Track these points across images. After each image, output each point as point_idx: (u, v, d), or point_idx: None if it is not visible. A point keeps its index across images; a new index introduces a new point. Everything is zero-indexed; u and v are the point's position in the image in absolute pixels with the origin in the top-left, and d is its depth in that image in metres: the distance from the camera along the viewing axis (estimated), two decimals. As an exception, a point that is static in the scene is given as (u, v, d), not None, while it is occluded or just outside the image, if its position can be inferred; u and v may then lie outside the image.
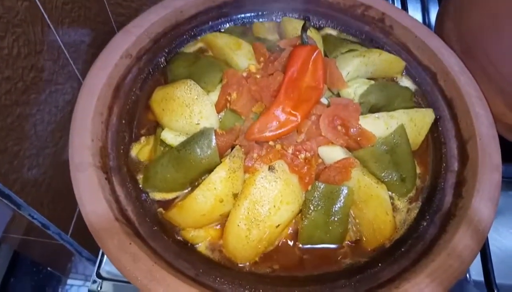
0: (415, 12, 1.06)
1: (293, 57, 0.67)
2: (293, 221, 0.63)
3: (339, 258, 0.62)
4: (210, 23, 0.82)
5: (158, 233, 0.59)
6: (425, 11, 1.06)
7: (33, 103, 0.70)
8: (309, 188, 0.61)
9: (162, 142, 0.65)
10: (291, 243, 0.63)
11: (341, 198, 0.61)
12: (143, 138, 0.70)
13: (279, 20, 0.85)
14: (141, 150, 0.68)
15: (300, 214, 0.62)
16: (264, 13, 0.85)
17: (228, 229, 0.59)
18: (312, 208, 0.61)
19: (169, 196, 0.65)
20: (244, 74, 0.69)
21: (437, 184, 0.67)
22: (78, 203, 0.55)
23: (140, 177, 0.65)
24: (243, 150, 0.62)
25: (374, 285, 0.56)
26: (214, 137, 0.61)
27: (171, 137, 0.65)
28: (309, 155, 0.62)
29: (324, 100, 0.68)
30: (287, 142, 0.63)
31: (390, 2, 1.03)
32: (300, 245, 0.62)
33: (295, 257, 0.62)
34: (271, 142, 0.63)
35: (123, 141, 0.67)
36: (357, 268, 0.61)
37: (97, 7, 0.87)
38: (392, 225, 0.62)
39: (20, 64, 0.65)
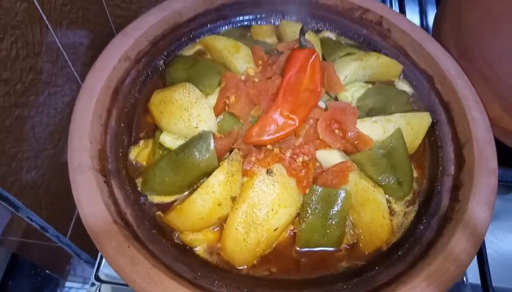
0: (413, 15, 1.06)
1: (291, 61, 0.68)
2: (291, 224, 0.63)
3: (336, 261, 0.62)
4: (208, 25, 0.82)
5: (157, 236, 0.59)
6: (423, 14, 1.07)
7: (32, 105, 0.70)
8: (307, 191, 0.61)
9: (161, 146, 0.65)
10: (289, 246, 0.63)
11: (339, 201, 0.61)
12: (142, 142, 0.70)
13: (277, 23, 0.85)
14: (139, 153, 0.68)
15: (297, 217, 0.62)
16: (263, 16, 0.85)
17: (226, 232, 0.59)
18: (309, 211, 0.61)
19: (168, 199, 0.65)
20: (243, 77, 0.69)
21: (434, 187, 0.68)
22: (77, 205, 0.55)
23: (138, 180, 0.65)
24: (241, 153, 0.62)
25: (371, 288, 0.56)
26: (212, 140, 0.61)
27: (169, 140, 0.65)
28: (306, 158, 0.63)
29: (322, 104, 0.68)
30: (285, 146, 0.63)
31: (388, 5, 1.04)
32: (298, 248, 0.63)
33: (292, 260, 0.62)
34: (269, 146, 0.63)
35: (121, 144, 0.67)
36: (354, 271, 0.61)
37: (96, 9, 0.87)
38: (389, 228, 0.63)
39: (19, 66, 0.65)
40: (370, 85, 0.74)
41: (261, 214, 0.58)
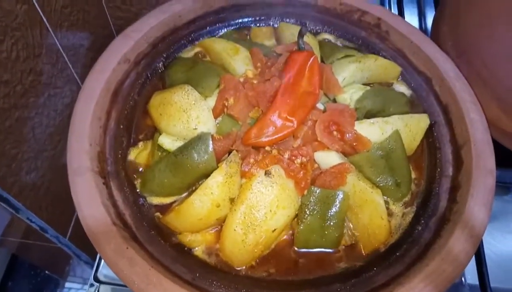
0: (411, 17, 1.07)
1: (289, 63, 0.68)
2: (289, 225, 0.63)
3: (334, 262, 0.62)
4: (208, 28, 0.83)
5: (155, 237, 0.60)
6: (421, 16, 1.07)
7: (32, 107, 0.70)
8: (305, 192, 0.62)
9: (160, 147, 0.65)
10: (287, 247, 0.63)
11: (337, 202, 0.61)
12: (141, 143, 0.70)
13: (276, 25, 0.86)
14: (139, 155, 0.68)
15: (296, 219, 0.62)
16: (262, 18, 0.86)
17: (224, 233, 0.59)
18: (308, 212, 0.61)
19: (167, 200, 0.65)
20: (241, 79, 0.70)
21: (432, 188, 0.68)
22: (76, 207, 0.55)
23: (137, 182, 0.66)
24: (239, 155, 0.63)
25: (369, 289, 0.56)
26: (211, 142, 0.62)
27: (168, 142, 0.65)
28: (305, 160, 0.63)
29: (320, 106, 0.69)
30: (283, 147, 0.64)
31: (387, 8, 1.04)
32: (296, 249, 0.63)
33: (291, 261, 0.62)
34: (267, 148, 0.64)
35: (121, 146, 0.68)
36: (352, 272, 0.61)
37: (96, 11, 0.88)
38: (387, 229, 0.63)
39: (19, 67, 0.65)
40: (368, 87, 0.74)
41: (260, 215, 0.58)
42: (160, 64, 0.78)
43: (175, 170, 0.62)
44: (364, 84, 0.76)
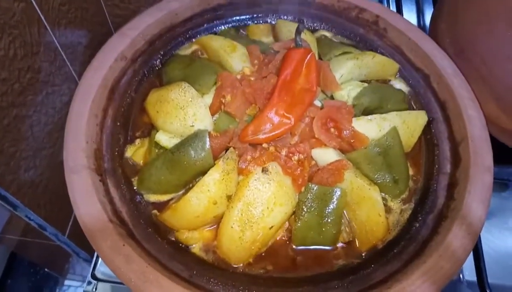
0: (410, 14, 1.07)
1: (287, 60, 0.68)
2: (287, 222, 0.63)
3: (332, 259, 0.62)
4: (205, 25, 0.83)
5: (152, 235, 0.60)
6: (420, 13, 1.07)
7: (30, 105, 0.70)
8: (302, 189, 0.62)
9: (157, 145, 0.65)
10: (284, 244, 0.63)
11: (334, 199, 0.61)
12: (138, 141, 0.70)
13: (274, 22, 0.86)
14: (135, 152, 0.68)
15: (293, 216, 0.62)
16: (259, 15, 0.86)
17: (222, 230, 0.59)
18: (305, 209, 0.61)
19: (164, 197, 0.65)
20: (239, 76, 0.69)
21: (430, 185, 0.68)
22: (73, 204, 0.55)
23: (134, 179, 0.66)
24: (237, 152, 0.63)
25: (366, 286, 0.56)
26: (208, 139, 0.62)
27: (165, 139, 0.65)
28: (302, 156, 0.63)
29: (317, 103, 0.68)
30: (280, 144, 0.64)
31: (385, 4, 1.04)
32: (294, 246, 0.63)
33: (288, 258, 0.62)
34: (264, 145, 0.63)
35: (117, 143, 0.68)
36: (350, 269, 0.61)
37: (94, 8, 0.88)
38: (385, 226, 0.63)
39: (17, 65, 0.65)
40: (366, 84, 0.74)
41: (257, 212, 0.58)
42: (157, 62, 0.78)
43: (172, 167, 0.62)
44: (362, 81, 0.75)
